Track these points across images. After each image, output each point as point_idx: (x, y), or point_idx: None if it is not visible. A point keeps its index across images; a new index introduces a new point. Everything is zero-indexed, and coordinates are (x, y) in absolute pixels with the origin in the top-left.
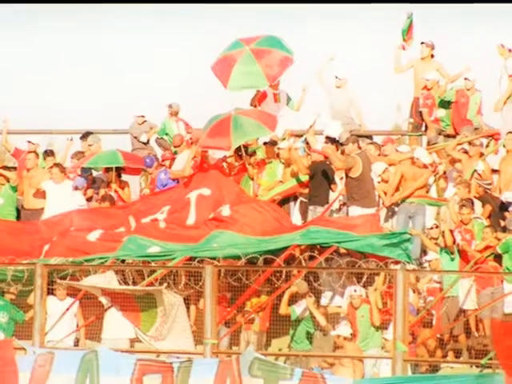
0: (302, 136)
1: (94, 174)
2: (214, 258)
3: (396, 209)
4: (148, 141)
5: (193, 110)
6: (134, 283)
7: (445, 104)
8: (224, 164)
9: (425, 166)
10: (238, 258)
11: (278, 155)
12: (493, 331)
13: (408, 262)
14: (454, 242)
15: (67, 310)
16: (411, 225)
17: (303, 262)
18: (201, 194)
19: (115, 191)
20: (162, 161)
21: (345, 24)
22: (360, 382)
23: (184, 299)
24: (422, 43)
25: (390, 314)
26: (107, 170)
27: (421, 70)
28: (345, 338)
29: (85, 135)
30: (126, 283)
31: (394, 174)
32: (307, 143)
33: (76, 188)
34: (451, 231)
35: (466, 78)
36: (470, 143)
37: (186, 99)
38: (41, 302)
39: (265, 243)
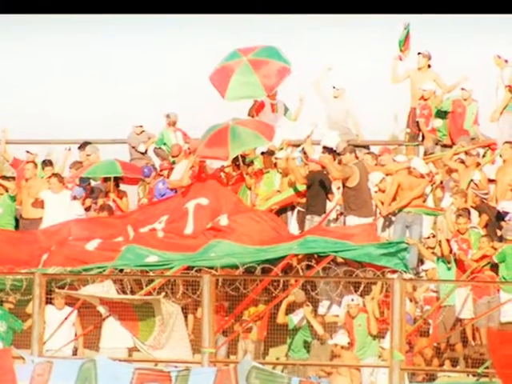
0: (299, 146)
1: (93, 183)
2: (211, 268)
3: (393, 218)
4: (146, 151)
5: (191, 120)
6: (132, 292)
7: (441, 114)
8: (222, 174)
9: (422, 176)
10: (236, 267)
11: (275, 165)
12: (489, 340)
13: (405, 272)
14: (451, 252)
15: (65, 319)
16: (408, 234)
17: (300, 271)
18: (199, 204)
19: (113, 201)
20: (160, 171)
21: (342, 34)
22: None
23: (182, 308)
24: (419, 53)
25: (387, 323)
26: (105, 179)
27: (418, 80)
28: (342, 347)
29: (83, 145)
30: (124, 292)
31: (390, 183)
32: (305, 153)
33: (74, 198)
34: (448, 241)
35: (462, 88)
36: (466, 153)
37: (184, 109)
38: (39, 311)
39: (262, 252)
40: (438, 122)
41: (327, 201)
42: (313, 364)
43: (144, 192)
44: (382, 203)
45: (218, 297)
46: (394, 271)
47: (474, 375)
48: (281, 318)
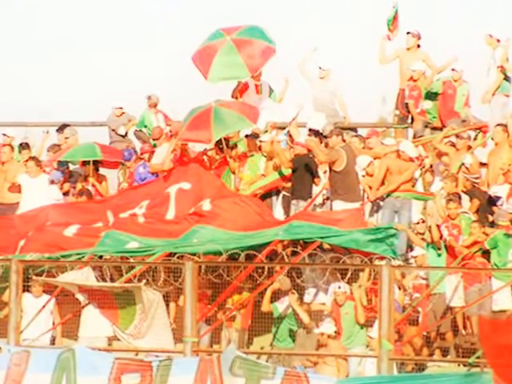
0: (284, 128)
1: (71, 167)
2: (194, 254)
3: (381, 203)
4: (126, 133)
5: (172, 102)
6: (112, 280)
7: (431, 95)
8: (204, 157)
9: (411, 160)
10: (219, 253)
11: (259, 148)
12: (481, 329)
13: (393, 258)
14: (441, 238)
15: (43, 307)
16: (397, 220)
17: (286, 257)
18: (181, 188)
19: (93, 185)
20: (141, 154)
21: (329, 14)
22: (344, 382)
23: (163, 296)
24: (408, 33)
25: (375, 312)
26: (84, 163)
27: (407, 60)
28: (329, 336)
29: (61, 128)
30: (104, 280)
31: (378, 167)
32: (290, 136)
33: (52, 182)
34: (438, 226)
35: (453, 69)
36: (457, 136)
37: (165, 90)
38: (16, 299)
39: (246, 238)
40: (427, 104)
41: (313, 185)
42: (298, 353)
43: (124, 176)
44: (370, 188)
45: (200, 284)
46: (382, 258)
47: (464, 365)
48: (265, 306)
